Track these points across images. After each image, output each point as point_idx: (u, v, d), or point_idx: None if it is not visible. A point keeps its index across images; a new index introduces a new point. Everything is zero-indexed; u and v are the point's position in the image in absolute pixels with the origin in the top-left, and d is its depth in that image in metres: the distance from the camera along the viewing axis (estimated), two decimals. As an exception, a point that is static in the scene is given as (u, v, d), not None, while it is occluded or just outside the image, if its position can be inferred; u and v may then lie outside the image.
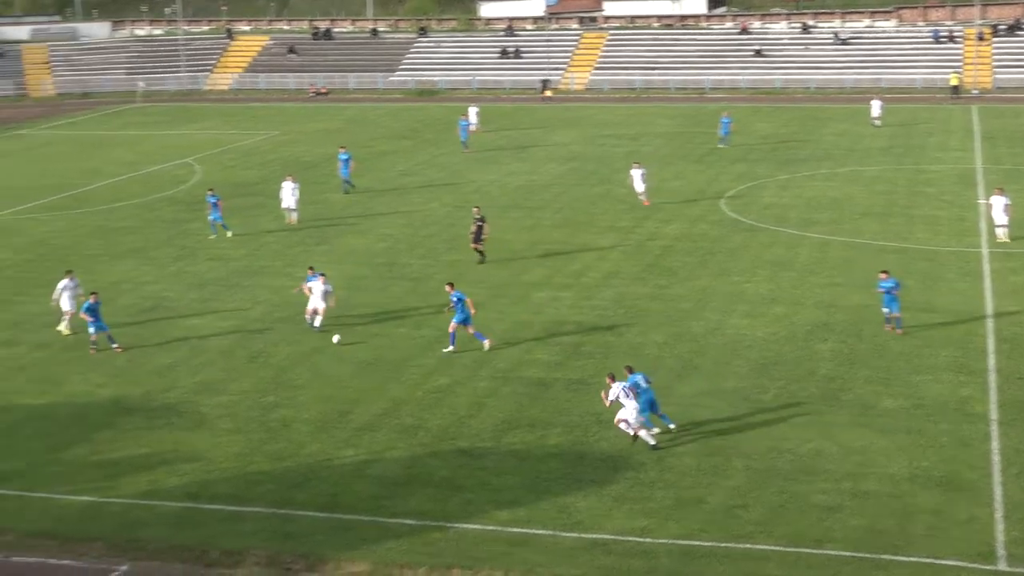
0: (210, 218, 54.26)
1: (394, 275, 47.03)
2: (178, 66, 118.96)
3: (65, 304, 40.52)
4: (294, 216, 56.29)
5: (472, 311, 38.08)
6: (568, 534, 25.95)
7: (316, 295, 40.24)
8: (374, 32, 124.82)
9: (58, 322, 40.91)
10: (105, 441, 31.48)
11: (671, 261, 47.90)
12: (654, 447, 29.82)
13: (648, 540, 25.66)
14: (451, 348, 37.53)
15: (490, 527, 26.29)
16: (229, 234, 53.93)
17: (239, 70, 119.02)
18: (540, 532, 26.06)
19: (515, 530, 26.14)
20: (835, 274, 45.15)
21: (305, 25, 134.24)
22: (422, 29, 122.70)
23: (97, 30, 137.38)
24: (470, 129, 79.01)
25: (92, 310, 38.44)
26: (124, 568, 25.09)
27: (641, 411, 29.91)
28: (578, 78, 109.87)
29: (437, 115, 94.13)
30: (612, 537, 25.79)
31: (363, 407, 33.21)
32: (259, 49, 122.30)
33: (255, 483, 28.71)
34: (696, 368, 35.55)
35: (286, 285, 45.19)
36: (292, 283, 44.98)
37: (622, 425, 30.04)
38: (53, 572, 25.02)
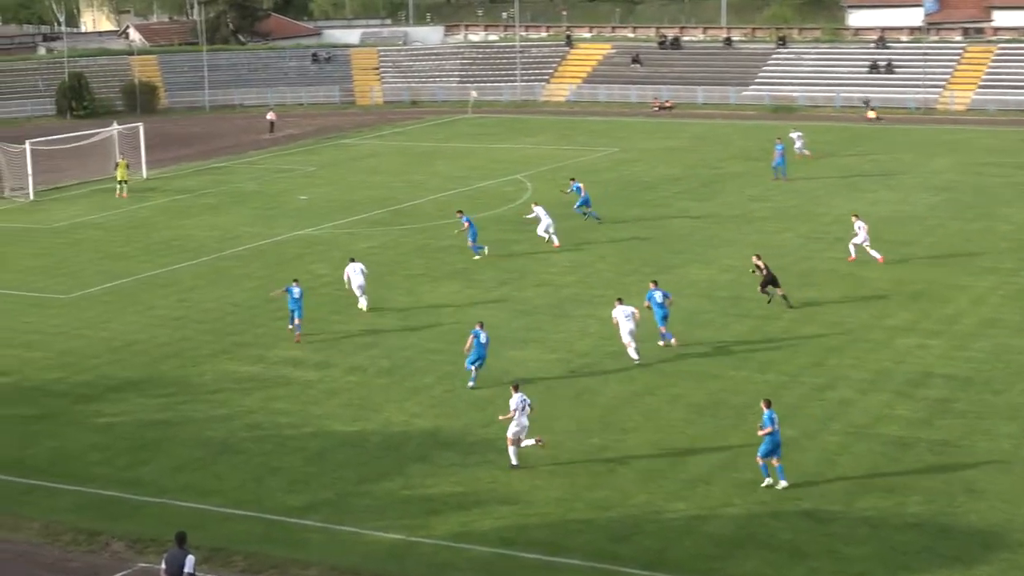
0: (469, 241, 56.48)
1: (738, 311, 46.70)
2: (513, 75, 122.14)
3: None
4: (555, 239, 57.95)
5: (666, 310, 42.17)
6: (927, 618, 25.03)
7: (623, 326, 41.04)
8: (728, 42, 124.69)
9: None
10: (418, 475, 32.43)
11: (1063, 310, 45.75)
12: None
13: (1022, 633, 24.44)
14: None
15: (836, 602, 25.63)
16: (480, 255, 55.90)
17: (577, 80, 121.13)
18: (894, 613, 25.23)
19: (864, 608, 25.40)
20: None
21: (651, 33, 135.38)
22: (781, 39, 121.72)
23: (429, 35, 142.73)
24: (800, 154, 78.05)
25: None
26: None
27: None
28: (959, 97, 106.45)
29: (824, 136, 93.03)
30: (979, 626, 24.71)
31: (697, 456, 33.04)
32: (600, 58, 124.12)
33: (575, 532, 28.95)
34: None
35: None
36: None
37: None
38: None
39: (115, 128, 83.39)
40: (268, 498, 31.16)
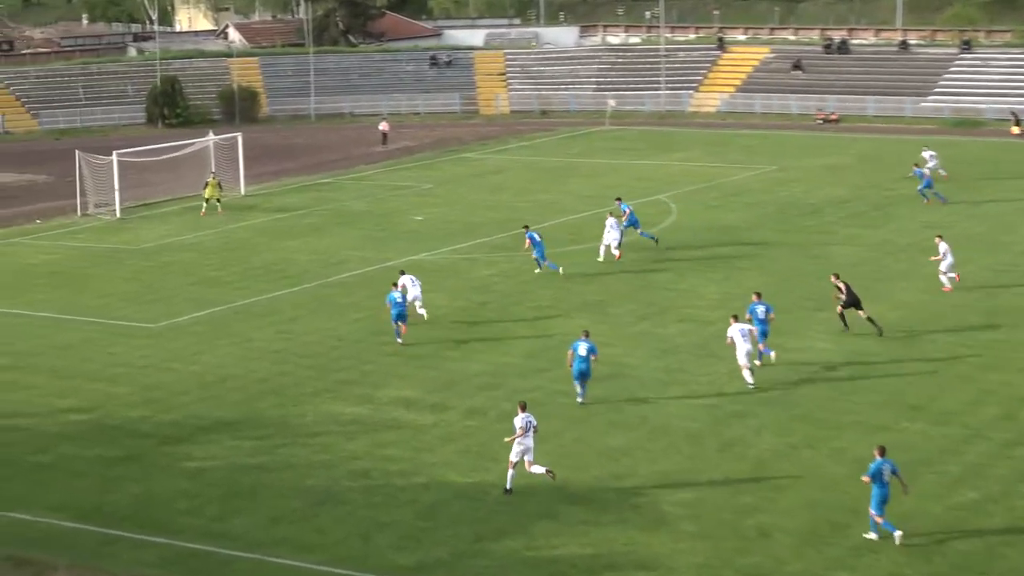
0: (534, 255, 58.57)
1: (912, 354, 46.07)
2: (657, 82, 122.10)
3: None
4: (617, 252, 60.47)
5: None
6: None
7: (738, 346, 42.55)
8: (903, 45, 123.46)
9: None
10: (543, 534, 32.36)
11: None
12: None
13: None
14: None
15: None
16: (542, 268, 58.56)
17: (730, 89, 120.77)
18: None
19: None
20: None
21: (815, 35, 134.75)
22: (966, 43, 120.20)
23: (562, 36, 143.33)
24: (936, 173, 77.38)
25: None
26: None
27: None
28: None
29: (979, 153, 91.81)
30: None
31: (863, 518, 32.59)
32: (756, 63, 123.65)
33: (721, 603, 28.73)
34: None
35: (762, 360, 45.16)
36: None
37: None
38: None
39: (211, 139, 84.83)
40: (375, 556, 31.27)
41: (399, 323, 48.76)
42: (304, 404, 42.64)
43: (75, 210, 77.90)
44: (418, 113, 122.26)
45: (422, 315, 50.83)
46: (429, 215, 74.26)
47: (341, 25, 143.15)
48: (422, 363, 45.86)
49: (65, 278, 61.81)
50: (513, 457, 34.70)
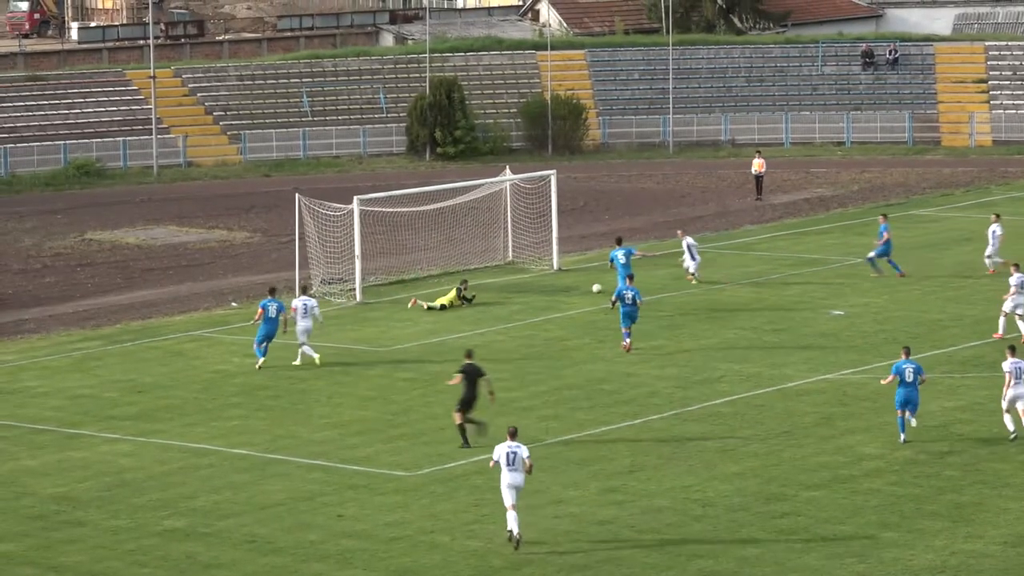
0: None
1: None
2: None
3: None
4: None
5: None
6: None
7: None
8: None
9: None
10: None
11: None
12: None
13: None
14: None
15: None
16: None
17: None
18: None
19: None
20: None
21: None
22: None
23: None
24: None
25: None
26: None
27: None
28: None
29: None
30: None
31: None
32: None
33: None
34: None
35: None
36: None
37: None
38: None
39: (507, 178, 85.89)
40: None
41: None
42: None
43: (292, 287, 79.55)
44: (840, 143, 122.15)
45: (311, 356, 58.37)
46: (853, 308, 73.96)
47: (720, 1, 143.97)
48: (837, 547, 45.66)
49: (272, 395, 63.47)
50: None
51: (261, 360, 65.99)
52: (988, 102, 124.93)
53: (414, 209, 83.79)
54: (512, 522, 45.44)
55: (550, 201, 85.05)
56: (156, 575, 45.22)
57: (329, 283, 79.39)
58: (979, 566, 43.98)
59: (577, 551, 46.54)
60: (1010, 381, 54.81)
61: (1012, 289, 68.37)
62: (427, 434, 57.77)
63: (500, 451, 46.10)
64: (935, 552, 44.96)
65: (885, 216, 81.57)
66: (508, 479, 45.69)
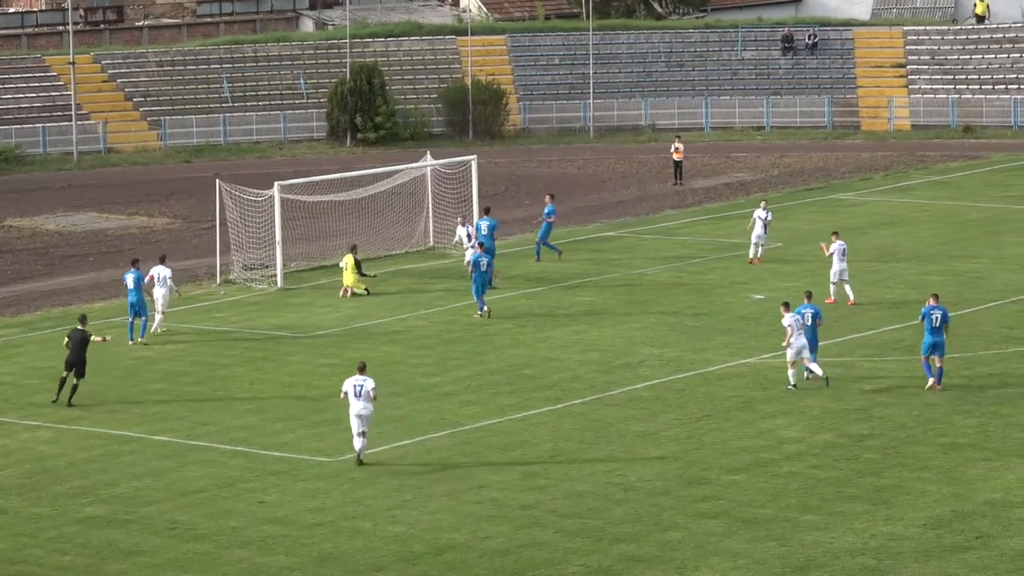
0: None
1: None
2: None
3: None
4: None
5: None
6: None
7: None
8: None
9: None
10: None
11: None
12: None
13: None
14: None
15: None
16: None
17: None
18: None
19: None
20: None
21: None
22: None
23: (1005, 5, 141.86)
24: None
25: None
26: None
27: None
28: None
29: None
30: None
31: None
32: None
33: None
34: None
35: None
36: None
37: None
38: None
39: (428, 164, 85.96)
40: None
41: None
42: (567, 594, 43.05)
43: (212, 274, 79.68)
44: (760, 128, 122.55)
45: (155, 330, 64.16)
46: (773, 292, 74.28)
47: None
48: (758, 530, 45.92)
49: (194, 381, 63.56)
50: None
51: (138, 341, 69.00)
52: (907, 86, 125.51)
53: (335, 198, 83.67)
54: (358, 445, 52.58)
55: (471, 186, 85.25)
56: (77, 563, 45.21)
57: (250, 269, 79.28)
58: (898, 548, 44.28)
59: (499, 536, 46.64)
60: (791, 333, 59.03)
61: (834, 256, 72.52)
62: (347, 419, 57.75)
63: (349, 384, 52.61)
64: (855, 535, 45.31)
65: (552, 196, 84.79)
66: (355, 408, 52.39)
